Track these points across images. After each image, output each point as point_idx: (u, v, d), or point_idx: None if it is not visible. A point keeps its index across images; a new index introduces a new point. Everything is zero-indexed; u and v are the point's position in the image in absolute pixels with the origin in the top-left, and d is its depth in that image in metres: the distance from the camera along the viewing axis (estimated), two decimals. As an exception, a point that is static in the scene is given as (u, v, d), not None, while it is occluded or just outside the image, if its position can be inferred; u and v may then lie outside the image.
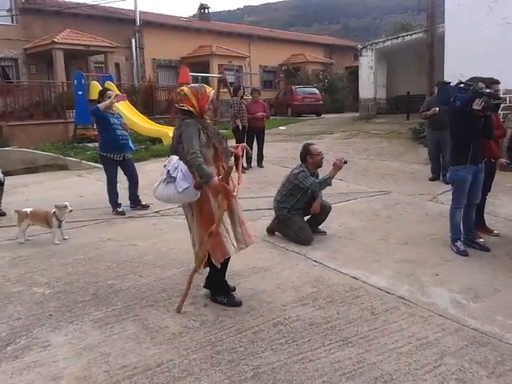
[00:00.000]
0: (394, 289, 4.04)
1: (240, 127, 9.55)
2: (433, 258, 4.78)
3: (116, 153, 6.52)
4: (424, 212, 6.53)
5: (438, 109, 7.57)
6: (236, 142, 9.54)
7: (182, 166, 3.49)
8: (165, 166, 3.57)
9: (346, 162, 5.24)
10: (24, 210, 5.38)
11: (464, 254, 4.86)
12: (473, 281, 4.23)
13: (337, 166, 5.21)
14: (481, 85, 4.81)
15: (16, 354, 3.05)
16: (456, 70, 10.22)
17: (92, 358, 3.00)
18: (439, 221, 6.06)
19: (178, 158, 3.54)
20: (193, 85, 3.78)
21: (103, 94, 6.72)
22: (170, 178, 3.49)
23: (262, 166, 9.90)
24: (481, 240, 5.16)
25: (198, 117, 3.61)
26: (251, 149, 9.94)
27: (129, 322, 3.47)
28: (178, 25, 25.97)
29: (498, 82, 5.23)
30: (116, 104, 9.60)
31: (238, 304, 3.70)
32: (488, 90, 4.77)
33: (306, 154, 5.34)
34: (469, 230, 5.12)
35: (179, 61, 24.65)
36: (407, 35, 17.98)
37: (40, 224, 5.39)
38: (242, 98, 9.94)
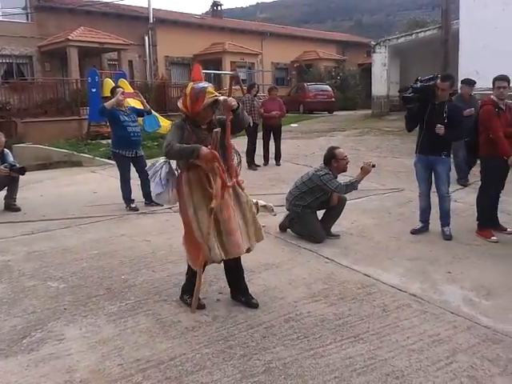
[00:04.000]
0: (406, 286, 4.03)
1: (251, 124, 9.58)
2: (445, 256, 4.76)
3: (128, 150, 6.57)
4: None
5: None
6: (248, 140, 9.64)
7: (163, 171, 3.52)
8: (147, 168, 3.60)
9: (374, 166, 5.10)
10: None
11: (412, 232, 5.44)
12: (485, 278, 4.20)
13: (365, 170, 5.06)
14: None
15: (31, 346, 3.11)
16: (471, 67, 10.20)
17: (106, 351, 3.05)
18: (452, 218, 6.01)
19: (163, 160, 3.56)
20: (199, 84, 3.43)
21: (114, 91, 6.77)
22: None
23: (279, 164, 9.88)
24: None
25: (191, 119, 3.47)
26: (268, 146, 10.00)
27: (142, 316, 3.51)
28: (191, 22, 26.06)
29: (447, 79, 5.28)
30: (129, 101, 9.71)
31: (201, 307, 3.57)
32: (414, 85, 5.22)
33: (332, 157, 5.21)
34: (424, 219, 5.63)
35: (192, 58, 24.72)
36: (421, 32, 17.84)
37: None
38: (255, 95, 9.96)
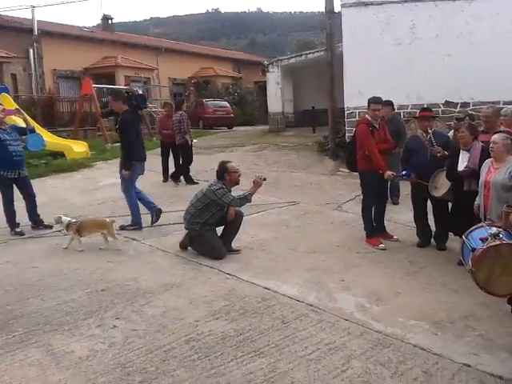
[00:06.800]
0: (303, 296, 4.17)
1: (190, 143, 9.43)
2: (338, 265, 5.01)
3: (10, 170, 6.11)
4: (330, 221, 6.82)
5: None
6: (184, 159, 9.44)
7: None
8: None
9: (265, 179, 5.37)
10: None
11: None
12: (375, 285, 4.47)
13: (257, 184, 5.28)
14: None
15: None
16: (354, 86, 10.91)
17: (-11, 391, 2.78)
18: (343, 228, 6.38)
19: None
20: None
21: None
22: None
23: (178, 184, 9.68)
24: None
25: None
26: (167, 163, 9.83)
27: (31, 348, 3.26)
28: (80, 35, 24.99)
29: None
30: (13, 117, 9.05)
31: None
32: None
33: (224, 171, 5.34)
34: None
35: (82, 71, 23.70)
36: (310, 53, 18.78)
37: None
38: (185, 111, 9.82)
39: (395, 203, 7.78)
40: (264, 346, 3.30)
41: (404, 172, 5.67)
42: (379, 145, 5.71)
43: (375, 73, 10.77)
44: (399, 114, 9.95)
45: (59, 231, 6.09)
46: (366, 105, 5.93)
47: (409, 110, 10.79)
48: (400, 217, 6.94)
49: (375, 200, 5.93)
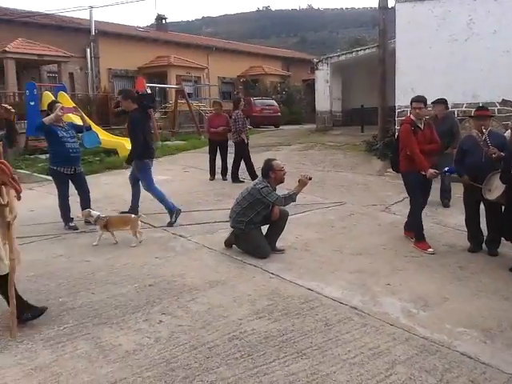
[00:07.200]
0: (347, 299, 4.12)
1: (246, 141, 9.55)
2: (385, 268, 4.91)
3: (66, 166, 6.37)
4: (377, 222, 6.70)
5: None
6: (239, 157, 9.59)
7: None
8: None
9: (310, 179, 5.31)
10: None
11: None
12: (423, 290, 4.36)
13: (302, 183, 5.23)
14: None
15: (-41, 378, 2.92)
16: (407, 84, 10.65)
17: (43, 378, 2.92)
18: (391, 231, 6.24)
19: None
20: None
21: (51, 106, 6.56)
22: None
23: (226, 179, 9.88)
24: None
25: None
26: (214, 162, 10.00)
27: (81, 340, 3.38)
28: (135, 35, 25.73)
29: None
30: (70, 115, 9.44)
31: (44, 310, 3.61)
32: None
33: (269, 169, 5.34)
34: None
35: (136, 71, 24.39)
36: (361, 50, 18.50)
37: None
38: (242, 110, 9.92)
39: (446, 206, 7.56)
40: (306, 347, 3.29)
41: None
42: (422, 145, 5.56)
43: (429, 70, 10.49)
44: (453, 112, 9.64)
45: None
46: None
47: (463, 109, 10.45)
48: (451, 220, 6.73)
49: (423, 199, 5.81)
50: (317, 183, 9.35)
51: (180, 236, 5.96)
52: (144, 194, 6.80)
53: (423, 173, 5.50)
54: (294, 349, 3.27)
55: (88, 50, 22.27)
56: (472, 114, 5.87)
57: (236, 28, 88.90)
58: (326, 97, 18.99)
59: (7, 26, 19.36)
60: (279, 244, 5.51)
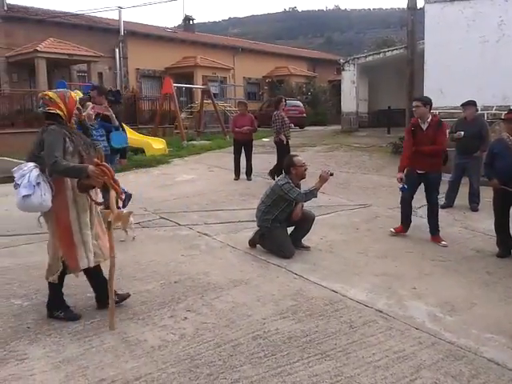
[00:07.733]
0: (372, 302, 4.09)
1: (284, 141, 9.55)
2: (411, 272, 4.86)
3: None
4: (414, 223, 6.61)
5: (463, 133, 7.34)
6: (279, 157, 9.59)
7: (32, 174, 3.32)
8: (13, 170, 3.43)
9: (332, 175, 5.32)
10: None
11: None
12: (450, 294, 4.30)
13: (323, 178, 5.27)
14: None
15: (-8, 367, 3.01)
16: (435, 86, 10.49)
17: (70, 371, 2.98)
18: (417, 234, 6.17)
19: (33, 165, 3.39)
20: (58, 89, 3.72)
21: (82, 104, 6.69)
22: (16, 186, 3.37)
23: (250, 179, 9.91)
24: None
25: (65, 122, 3.48)
26: (239, 161, 10.05)
27: (107, 335, 3.44)
28: (163, 35, 26.05)
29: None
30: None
31: (76, 318, 3.66)
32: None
33: (290, 165, 5.37)
34: None
35: (163, 71, 24.68)
36: (388, 51, 18.34)
37: None
38: (283, 110, 9.88)
39: (474, 210, 7.43)
40: (330, 349, 3.29)
41: (401, 186, 5.84)
42: (421, 146, 5.71)
43: (458, 71, 10.31)
44: (483, 115, 9.46)
45: (137, 223, 6.41)
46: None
47: (493, 112, 10.22)
48: (479, 225, 6.62)
49: (427, 201, 6.06)
50: (342, 185, 9.30)
51: (205, 235, 6.01)
52: (168, 193, 6.87)
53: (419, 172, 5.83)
54: (318, 350, 3.27)
55: (117, 50, 22.64)
56: (503, 117, 5.77)
57: (262, 29, 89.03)
58: (352, 98, 18.88)
59: (39, 26, 19.84)
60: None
